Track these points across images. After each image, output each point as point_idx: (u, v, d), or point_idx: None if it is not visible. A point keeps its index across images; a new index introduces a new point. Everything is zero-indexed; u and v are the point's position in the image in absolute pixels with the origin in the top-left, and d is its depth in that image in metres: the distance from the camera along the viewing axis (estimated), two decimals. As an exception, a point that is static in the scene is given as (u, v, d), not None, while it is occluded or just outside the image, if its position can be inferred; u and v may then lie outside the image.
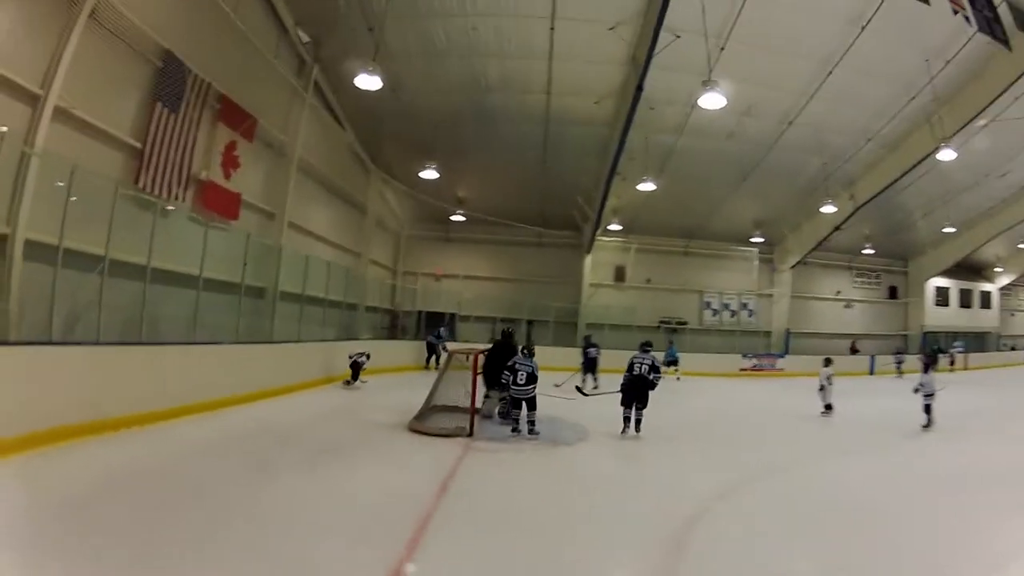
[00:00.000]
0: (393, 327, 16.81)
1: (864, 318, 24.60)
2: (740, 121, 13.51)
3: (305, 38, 10.98)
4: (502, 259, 20.04)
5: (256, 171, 10.48)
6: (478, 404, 7.00)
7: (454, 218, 18.38)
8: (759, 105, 12.30)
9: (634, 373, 7.30)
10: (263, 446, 5.72)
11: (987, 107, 12.01)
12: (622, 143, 12.46)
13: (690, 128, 13.84)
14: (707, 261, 21.62)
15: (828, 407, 9.99)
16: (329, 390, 9.89)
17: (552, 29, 10.62)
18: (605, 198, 15.21)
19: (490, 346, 8.39)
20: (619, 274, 20.55)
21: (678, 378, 15.06)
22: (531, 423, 6.75)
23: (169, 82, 7.92)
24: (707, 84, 9.41)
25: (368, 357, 10.51)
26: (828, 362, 10.38)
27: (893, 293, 25.42)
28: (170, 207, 7.99)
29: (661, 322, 20.40)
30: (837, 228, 18.59)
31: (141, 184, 7.51)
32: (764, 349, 20.79)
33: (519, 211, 18.23)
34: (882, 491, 5.14)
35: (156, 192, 7.78)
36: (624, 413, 7.24)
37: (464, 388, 7.08)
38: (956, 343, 26.00)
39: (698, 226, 19.99)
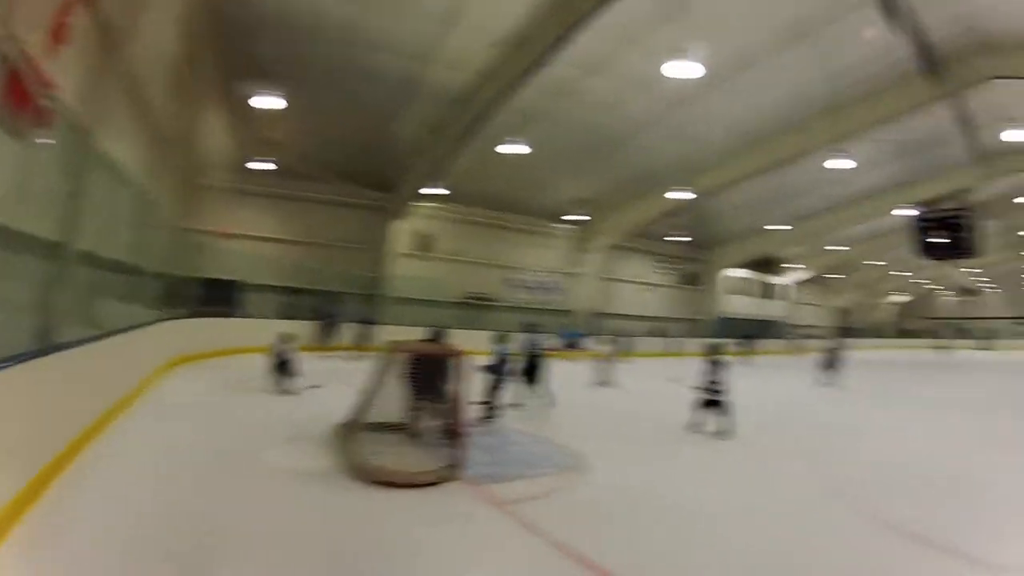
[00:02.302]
0: (175, 297, 16.21)
1: (664, 302, 34.91)
2: (632, 96, 17.39)
3: None
4: (297, 219, 22.72)
5: (78, 62, 8.59)
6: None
7: (254, 166, 19.97)
8: (661, 82, 14.72)
9: (531, 353, 10.96)
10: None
11: (869, 128, 19.01)
12: (506, 95, 15.08)
13: (574, 93, 16.85)
14: (518, 236, 28.32)
15: (603, 383, 14.96)
16: (146, 404, 9.00)
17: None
18: (450, 157, 18.40)
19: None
20: (424, 244, 25.57)
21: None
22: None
23: None
24: (678, 52, 11.92)
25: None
26: (612, 341, 16.91)
27: (692, 279, 36.20)
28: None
29: (468, 298, 26.22)
30: (670, 215, 26.15)
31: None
32: (570, 329, 27.64)
33: (331, 163, 21.20)
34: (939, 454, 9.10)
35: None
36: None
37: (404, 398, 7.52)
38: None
39: (520, 199, 25.92)
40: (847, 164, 19.54)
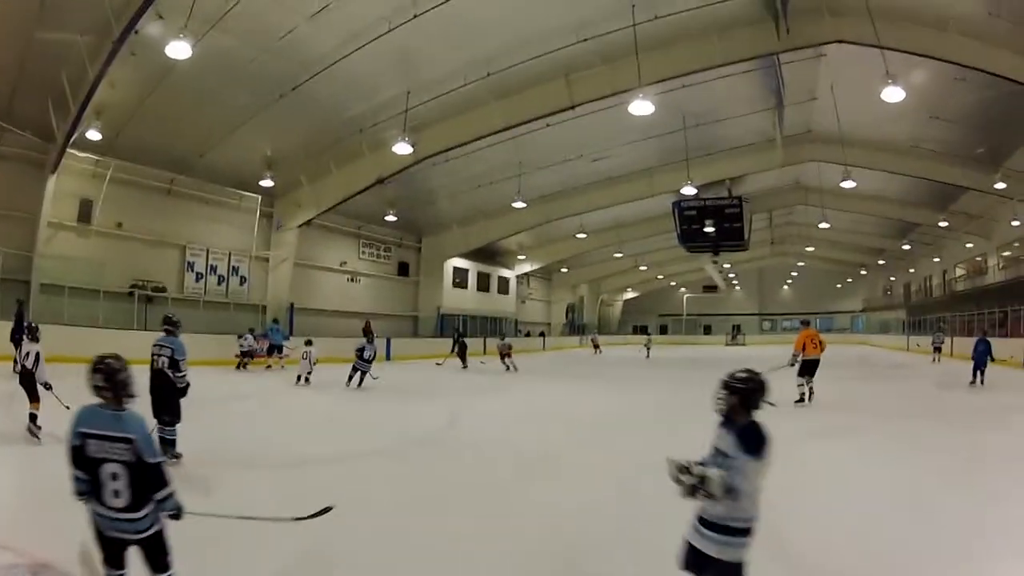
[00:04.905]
0: None
1: (372, 295, 40.00)
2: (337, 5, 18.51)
3: None
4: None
5: None
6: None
7: None
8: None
9: (153, 367, 9.82)
10: None
11: (680, 75, 21.95)
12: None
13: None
14: (196, 207, 30.31)
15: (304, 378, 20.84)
16: None
17: None
18: (106, 68, 18.30)
19: None
20: (85, 211, 26.20)
21: (283, 366, 26.07)
22: None
23: None
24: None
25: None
26: (309, 343, 21.80)
27: (404, 270, 42.19)
28: None
29: (134, 287, 27.68)
30: (381, 181, 29.06)
31: None
32: (261, 327, 31.11)
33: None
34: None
35: None
36: (155, 432, 9.11)
37: None
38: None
39: (195, 154, 27.82)
40: (644, 109, 20.58)
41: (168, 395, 9.54)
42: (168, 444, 9.42)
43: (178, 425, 9.67)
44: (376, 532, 7.08)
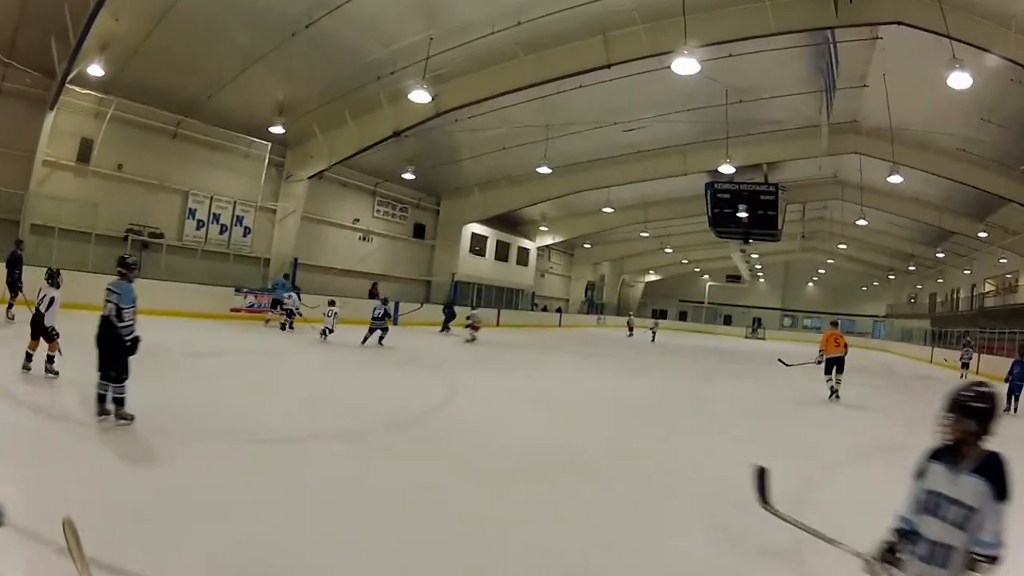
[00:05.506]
0: None
1: (384, 255, 39.11)
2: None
3: None
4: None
5: None
6: None
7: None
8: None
9: (103, 315, 8.94)
10: None
11: (727, 42, 20.77)
12: None
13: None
14: (202, 152, 29.46)
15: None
16: None
17: None
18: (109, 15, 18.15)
19: None
20: (84, 151, 25.50)
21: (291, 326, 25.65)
22: None
23: None
24: None
25: None
26: (332, 303, 22.09)
27: (420, 232, 41.09)
28: None
29: (129, 231, 26.90)
30: (398, 134, 28.12)
31: None
32: (261, 282, 30.53)
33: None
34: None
35: None
36: (98, 388, 8.72)
37: None
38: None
39: (203, 95, 26.80)
40: (689, 68, 19.11)
41: (113, 347, 8.55)
42: (117, 403, 8.61)
43: (127, 382, 8.57)
44: (331, 532, 5.91)
